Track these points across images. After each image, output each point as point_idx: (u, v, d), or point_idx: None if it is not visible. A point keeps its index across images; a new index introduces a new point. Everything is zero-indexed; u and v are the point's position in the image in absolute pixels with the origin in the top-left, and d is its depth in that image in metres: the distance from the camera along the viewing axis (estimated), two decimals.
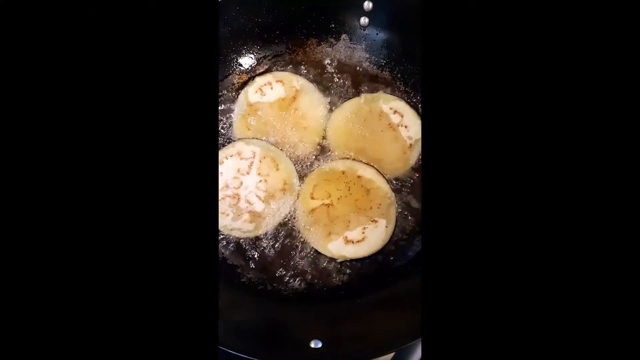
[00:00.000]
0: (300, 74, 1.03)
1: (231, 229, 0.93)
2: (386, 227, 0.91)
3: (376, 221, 0.91)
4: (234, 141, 0.99)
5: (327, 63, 1.05)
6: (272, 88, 1.01)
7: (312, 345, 0.72)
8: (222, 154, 0.97)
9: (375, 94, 1.00)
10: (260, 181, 0.95)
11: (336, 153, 0.98)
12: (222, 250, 0.93)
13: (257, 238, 0.93)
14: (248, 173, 0.95)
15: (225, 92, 1.04)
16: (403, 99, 1.00)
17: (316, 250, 0.92)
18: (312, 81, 1.03)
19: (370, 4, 1.01)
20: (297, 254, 0.92)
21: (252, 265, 0.91)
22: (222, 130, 1.01)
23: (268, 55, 1.06)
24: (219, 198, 0.94)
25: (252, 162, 0.96)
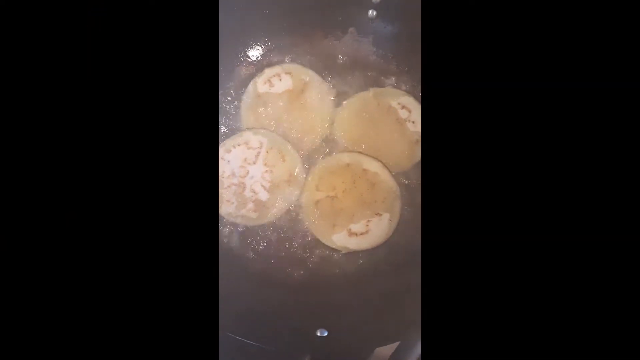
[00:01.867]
0: (308, 67, 1.04)
1: (235, 217, 0.94)
2: (390, 220, 0.93)
3: (380, 214, 0.93)
4: (241, 131, 1.00)
5: (335, 56, 1.05)
6: (280, 80, 1.02)
7: (318, 333, 0.73)
8: (229, 142, 0.98)
9: (384, 89, 1.01)
10: (266, 171, 0.96)
11: (342, 146, 0.99)
12: (227, 240, 0.94)
13: (262, 228, 0.95)
14: (254, 163, 0.96)
15: (233, 83, 1.04)
16: (412, 94, 1.00)
17: (320, 241, 0.93)
18: (320, 74, 1.03)
19: None
20: (301, 245, 0.94)
21: (257, 255, 0.93)
22: (230, 120, 1.02)
23: (275, 48, 1.06)
24: (225, 186, 0.95)
25: (259, 152, 0.96)
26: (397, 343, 0.66)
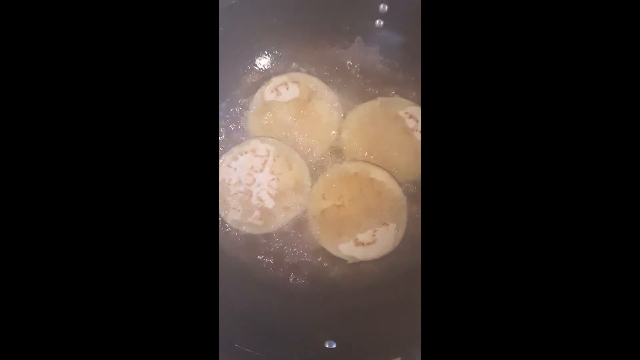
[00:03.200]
0: (315, 76, 1.04)
1: (241, 225, 0.94)
2: (396, 230, 0.92)
3: (387, 224, 0.92)
4: (249, 139, 1.00)
5: (342, 65, 1.05)
6: (287, 88, 1.02)
7: (327, 345, 0.73)
8: (236, 150, 0.98)
9: (391, 98, 1.01)
10: (273, 179, 0.96)
11: (349, 155, 0.99)
12: (234, 249, 0.94)
13: (268, 236, 0.94)
14: (261, 171, 0.96)
15: (241, 91, 1.04)
16: (418, 103, 1.00)
17: (327, 251, 0.93)
18: (326, 83, 1.03)
19: (386, 7, 1.01)
20: (308, 254, 0.93)
21: (263, 264, 0.92)
22: (237, 128, 1.02)
23: (282, 57, 1.07)
24: (231, 193, 0.95)
25: (266, 160, 0.97)
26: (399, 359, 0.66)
